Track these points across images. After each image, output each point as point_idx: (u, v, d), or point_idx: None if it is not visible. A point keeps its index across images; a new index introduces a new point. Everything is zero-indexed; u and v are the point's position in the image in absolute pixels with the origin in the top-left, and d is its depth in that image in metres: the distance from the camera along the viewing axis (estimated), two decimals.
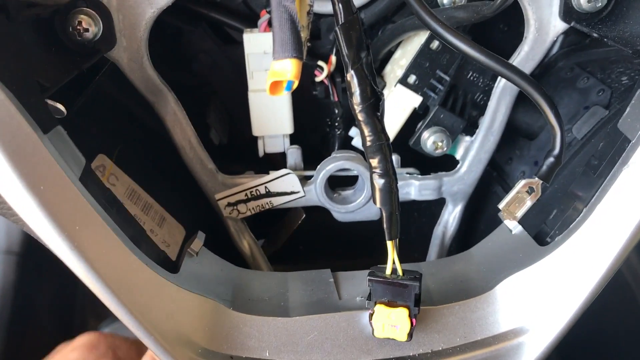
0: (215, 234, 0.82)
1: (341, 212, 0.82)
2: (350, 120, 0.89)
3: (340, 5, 0.55)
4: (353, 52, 0.55)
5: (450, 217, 0.86)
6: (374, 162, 0.58)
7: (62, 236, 0.55)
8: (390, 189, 0.59)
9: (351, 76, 0.56)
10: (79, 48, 0.67)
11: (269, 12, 0.66)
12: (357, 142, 0.88)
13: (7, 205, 0.55)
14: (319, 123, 0.91)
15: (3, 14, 0.57)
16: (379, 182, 0.59)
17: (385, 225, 0.60)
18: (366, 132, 0.57)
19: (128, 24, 0.69)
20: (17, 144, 0.52)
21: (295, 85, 0.52)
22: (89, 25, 0.67)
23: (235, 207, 0.81)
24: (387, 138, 0.58)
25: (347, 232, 0.88)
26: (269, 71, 0.52)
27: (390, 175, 0.59)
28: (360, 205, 0.82)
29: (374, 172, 0.58)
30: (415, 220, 0.96)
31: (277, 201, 0.81)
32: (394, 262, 0.62)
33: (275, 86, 0.52)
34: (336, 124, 0.89)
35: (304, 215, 0.90)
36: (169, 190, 0.81)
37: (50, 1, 0.68)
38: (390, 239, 0.61)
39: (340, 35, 0.55)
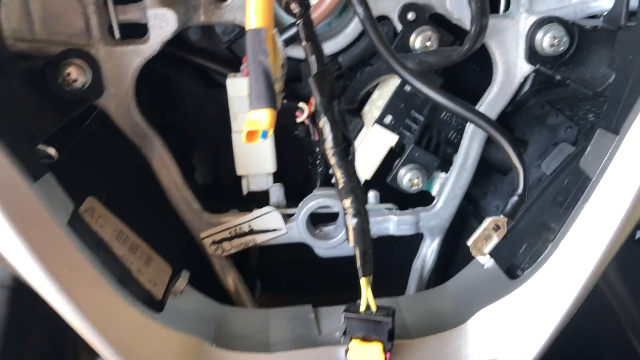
0: (201, 271, 0.85)
1: (323, 248, 0.85)
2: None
3: (313, 57, 0.59)
4: (325, 100, 0.59)
5: (428, 251, 0.89)
6: (347, 202, 0.61)
7: (50, 280, 0.58)
8: (363, 228, 0.62)
9: (324, 123, 0.60)
10: (69, 97, 0.71)
11: None
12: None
13: None
14: (301, 161, 0.94)
15: None
16: (351, 221, 0.62)
17: (359, 263, 0.63)
18: (338, 175, 0.60)
19: (116, 73, 0.73)
20: (7, 192, 0.55)
21: (270, 134, 0.55)
22: (78, 76, 0.71)
23: (220, 245, 0.84)
24: (359, 180, 0.61)
25: (330, 266, 0.91)
26: (246, 120, 0.55)
27: (362, 215, 0.62)
28: (342, 241, 0.85)
29: (347, 212, 0.62)
30: (395, 254, 0.99)
31: (260, 238, 0.84)
32: (367, 299, 0.64)
33: (251, 135, 0.55)
34: (317, 162, 0.93)
35: None
36: (156, 229, 0.83)
37: (41, 53, 0.72)
38: (364, 276, 0.63)
39: (313, 84, 0.59)
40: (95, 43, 0.72)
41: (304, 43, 0.58)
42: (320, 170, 0.92)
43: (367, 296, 0.64)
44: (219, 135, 0.91)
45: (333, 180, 0.91)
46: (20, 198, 0.56)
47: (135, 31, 0.74)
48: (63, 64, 0.70)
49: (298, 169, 0.95)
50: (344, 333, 0.65)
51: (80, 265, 0.61)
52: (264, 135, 0.55)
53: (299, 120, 0.90)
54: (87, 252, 0.62)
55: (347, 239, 0.62)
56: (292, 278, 0.97)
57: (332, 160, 0.60)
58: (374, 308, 0.65)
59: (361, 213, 0.62)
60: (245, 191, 0.88)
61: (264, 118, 0.54)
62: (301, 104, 0.88)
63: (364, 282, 0.64)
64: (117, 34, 0.74)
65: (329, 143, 0.59)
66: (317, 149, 0.91)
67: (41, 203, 0.57)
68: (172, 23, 0.72)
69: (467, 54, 0.72)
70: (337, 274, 0.93)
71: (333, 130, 0.59)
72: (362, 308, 0.65)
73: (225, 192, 0.93)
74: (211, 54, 0.89)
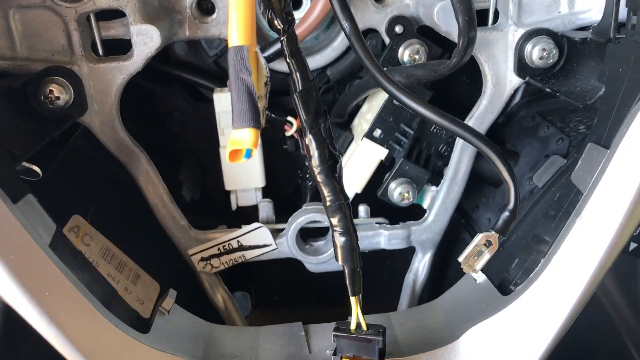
0: (190, 288, 0.83)
1: (313, 263, 0.84)
2: None
3: (297, 74, 0.58)
4: (311, 117, 0.58)
5: (420, 265, 0.88)
6: (335, 220, 0.60)
7: (32, 302, 0.57)
8: (352, 247, 0.61)
9: (309, 140, 0.58)
10: (51, 115, 0.69)
11: None
12: None
13: None
14: (291, 175, 0.93)
15: None
16: (340, 240, 0.61)
17: (347, 282, 0.62)
18: (325, 192, 0.59)
19: (99, 90, 0.72)
20: None
21: (253, 153, 0.54)
22: (60, 93, 0.69)
23: (208, 262, 0.83)
24: (347, 197, 0.60)
25: (322, 281, 0.90)
26: (229, 140, 0.54)
27: (350, 233, 0.61)
28: (332, 256, 0.83)
29: (335, 230, 0.61)
30: (388, 268, 0.98)
31: (250, 254, 0.83)
32: (358, 317, 0.63)
33: (234, 154, 0.54)
34: (307, 175, 0.92)
35: None
36: (144, 246, 0.82)
37: (22, 71, 0.71)
38: (354, 295, 0.62)
39: (298, 101, 0.58)
40: (78, 60, 0.71)
41: (288, 59, 0.57)
42: (310, 184, 0.91)
43: (357, 315, 0.63)
44: (206, 150, 0.90)
45: None
46: (0, 220, 0.55)
47: (120, 47, 0.73)
48: (45, 81, 0.69)
49: (288, 182, 0.94)
50: (335, 352, 0.63)
51: (63, 287, 0.59)
52: (248, 154, 0.54)
53: (288, 134, 0.89)
54: (70, 274, 0.60)
55: (336, 257, 0.61)
56: (283, 293, 0.95)
57: (319, 178, 0.59)
58: (364, 326, 0.64)
59: (349, 231, 0.60)
60: (234, 206, 0.87)
61: (247, 137, 0.53)
62: (290, 118, 0.88)
63: (353, 301, 0.63)
64: (100, 51, 0.73)
65: (315, 161, 0.58)
66: (307, 163, 0.90)
67: (21, 225, 0.56)
68: (156, 39, 0.71)
69: (455, 67, 0.71)
70: (329, 288, 0.92)
71: (319, 148, 0.58)
72: (353, 326, 0.64)
73: (214, 207, 0.92)
74: (198, 68, 0.88)
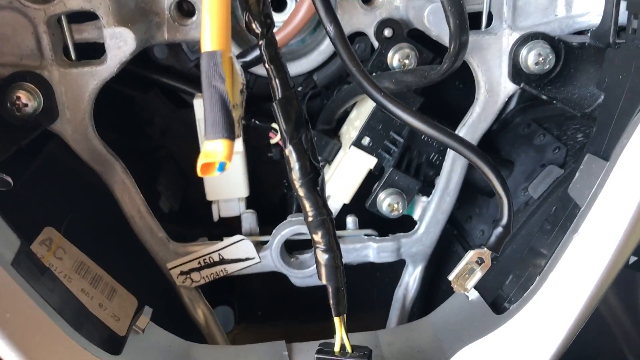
0: (170, 303, 0.80)
1: (299, 277, 0.80)
2: None
3: (277, 80, 0.54)
4: (291, 127, 0.54)
5: (411, 279, 0.84)
6: (317, 237, 0.57)
7: None
8: (335, 265, 0.57)
9: (289, 151, 0.55)
10: (19, 122, 0.65)
11: None
12: None
13: None
14: (276, 184, 0.89)
15: None
16: (322, 257, 0.57)
17: (331, 302, 0.58)
18: (307, 207, 0.56)
19: (71, 97, 0.68)
20: None
21: (227, 166, 0.51)
22: (29, 100, 0.66)
23: (188, 276, 0.79)
24: (329, 212, 0.57)
25: (307, 295, 0.86)
26: (201, 152, 0.50)
27: (334, 251, 0.57)
28: None
29: (318, 247, 0.57)
30: (378, 282, 0.94)
31: (232, 268, 0.79)
32: (342, 338, 0.59)
33: (206, 167, 0.50)
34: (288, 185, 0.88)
35: None
36: (121, 259, 0.78)
37: None
38: (337, 315, 0.59)
39: (277, 110, 0.54)
40: (48, 65, 0.67)
41: (266, 65, 0.53)
42: (292, 195, 0.88)
43: (341, 336, 0.60)
44: (188, 158, 0.86)
45: None
46: None
47: (93, 51, 0.69)
48: (12, 87, 0.65)
49: (273, 192, 0.90)
50: None
51: (26, 308, 0.56)
52: (221, 167, 0.50)
53: (272, 141, 0.86)
54: (34, 294, 0.56)
55: (319, 276, 0.58)
56: (267, 308, 0.92)
57: (300, 191, 0.55)
58: (348, 348, 0.60)
59: (332, 248, 0.57)
60: (216, 217, 0.83)
61: (220, 150, 0.49)
62: (275, 125, 0.84)
63: (337, 322, 0.59)
64: (72, 55, 0.69)
65: (295, 173, 0.55)
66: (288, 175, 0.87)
67: None
68: (131, 43, 0.67)
69: (446, 73, 0.67)
70: (316, 302, 0.88)
71: (300, 160, 0.54)
72: (337, 348, 0.60)
73: (195, 217, 0.88)
74: (178, 72, 0.84)
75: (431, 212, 0.80)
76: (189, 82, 0.83)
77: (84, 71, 0.68)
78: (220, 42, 0.50)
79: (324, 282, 0.58)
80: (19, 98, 0.65)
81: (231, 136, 0.49)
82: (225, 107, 0.50)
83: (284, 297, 0.88)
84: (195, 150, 0.79)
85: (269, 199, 0.91)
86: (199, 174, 0.50)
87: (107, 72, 0.68)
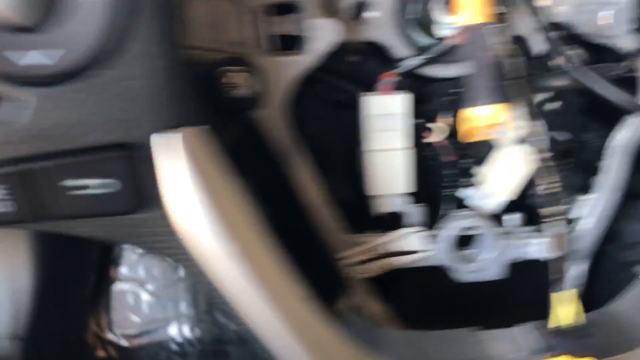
0: (337, 294, 0.80)
1: (465, 272, 0.81)
2: (461, 180, 0.89)
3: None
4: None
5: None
6: (550, 211, 0.58)
7: None
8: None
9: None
10: (231, 104, 0.68)
11: None
12: (470, 201, 0.88)
13: None
14: (427, 184, 0.91)
15: None
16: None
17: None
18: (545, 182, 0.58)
19: (274, 84, 0.71)
20: None
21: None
22: (240, 83, 0.68)
23: (359, 267, 0.80)
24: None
25: (461, 295, 0.86)
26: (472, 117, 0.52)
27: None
28: (483, 266, 0.81)
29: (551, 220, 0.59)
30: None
31: (401, 260, 0.81)
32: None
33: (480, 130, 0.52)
34: (444, 184, 0.90)
35: None
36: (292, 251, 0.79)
37: (198, 61, 0.70)
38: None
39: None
40: (255, 52, 0.70)
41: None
42: (450, 192, 0.89)
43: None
44: (348, 156, 0.88)
45: (467, 202, 0.89)
46: None
47: (293, 44, 0.73)
48: (224, 70, 0.68)
49: (424, 191, 0.92)
50: (542, 351, 0.60)
51: None
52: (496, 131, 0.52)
53: (427, 140, 0.88)
54: None
55: (550, 248, 0.59)
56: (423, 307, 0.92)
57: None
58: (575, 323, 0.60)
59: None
60: (377, 212, 0.84)
61: (493, 113, 0.52)
62: (429, 124, 0.87)
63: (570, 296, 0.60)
64: (275, 45, 0.72)
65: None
66: (446, 171, 0.89)
67: None
68: (332, 35, 0.70)
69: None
70: (470, 303, 0.89)
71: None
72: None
73: (356, 213, 0.89)
74: (338, 72, 0.87)
75: (593, 209, 0.81)
76: (351, 82, 0.86)
77: (287, 60, 0.71)
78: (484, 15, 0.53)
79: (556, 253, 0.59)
80: (230, 80, 0.68)
81: (505, 101, 0.52)
82: (495, 75, 0.52)
83: (440, 296, 0.89)
84: (357, 148, 0.81)
85: (420, 198, 0.92)
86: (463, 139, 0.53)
87: (307, 63, 0.71)
